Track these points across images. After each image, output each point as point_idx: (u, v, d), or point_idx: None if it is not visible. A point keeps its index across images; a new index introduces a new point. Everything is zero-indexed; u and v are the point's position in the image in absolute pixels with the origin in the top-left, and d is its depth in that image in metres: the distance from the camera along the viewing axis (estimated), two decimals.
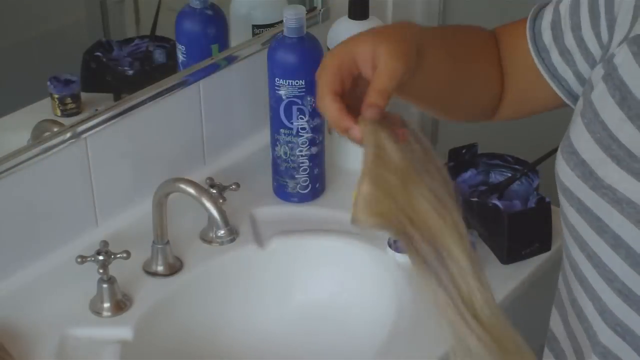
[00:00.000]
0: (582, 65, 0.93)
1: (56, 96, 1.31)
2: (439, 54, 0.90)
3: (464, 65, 0.96)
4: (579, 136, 0.86)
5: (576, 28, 0.92)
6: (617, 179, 0.82)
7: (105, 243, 1.22)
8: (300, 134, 1.37)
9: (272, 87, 1.35)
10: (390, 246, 1.32)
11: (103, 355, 1.16)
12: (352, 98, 0.84)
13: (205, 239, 1.34)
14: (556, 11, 0.95)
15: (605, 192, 0.83)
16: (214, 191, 1.32)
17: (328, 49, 1.44)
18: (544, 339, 1.01)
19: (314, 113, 1.36)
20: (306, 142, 1.38)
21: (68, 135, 1.27)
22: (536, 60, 0.96)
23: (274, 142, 1.39)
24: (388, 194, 0.79)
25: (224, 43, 1.46)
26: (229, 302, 1.32)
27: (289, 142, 1.37)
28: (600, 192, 0.83)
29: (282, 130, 1.37)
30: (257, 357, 1.30)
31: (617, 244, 0.82)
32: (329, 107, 0.82)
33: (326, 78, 0.83)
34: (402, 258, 1.31)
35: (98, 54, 1.38)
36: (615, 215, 0.82)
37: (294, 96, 1.34)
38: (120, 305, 1.22)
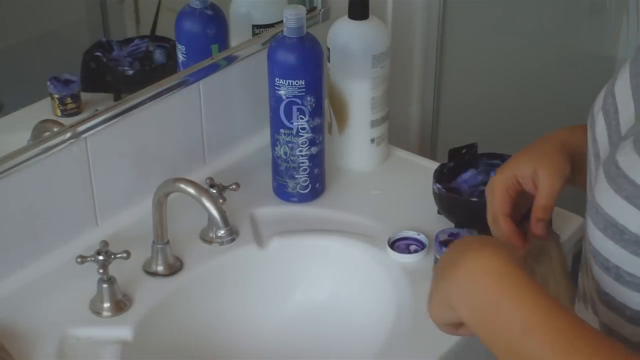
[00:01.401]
0: None
1: (56, 96, 1.31)
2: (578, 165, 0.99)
3: None
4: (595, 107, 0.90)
5: None
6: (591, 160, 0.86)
7: (105, 243, 1.22)
8: (300, 134, 1.37)
9: (272, 87, 1.35)
10: (390, 246, 1.32)
11: (103, 355, 1.16)
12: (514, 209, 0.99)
13: (205, 239, 1.34)
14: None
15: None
16: (214, 191, 1.32)
17: (328, 49, 1.44)
18: None
19: (314, 113, 1.36)
20: (306, 142, 1.38)
21: (68, 135, 1.27)
22: None
23: (274, 142, 1.39)
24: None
25: (224, 43, 1.46)
26: (229, 302, 1.32)
27: (289, 142, 1.37)
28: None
29: (282, 130, 1.37)
30: (256, 357, 1.30)
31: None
32: (503, 228, 0.98)
33: (498, 201, 0.96)
34: (402, 258, 1.31)
35: (98, 54, 1.38)
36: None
37: (294, 96, 1.34)
38: (120, 305, 1.22)
